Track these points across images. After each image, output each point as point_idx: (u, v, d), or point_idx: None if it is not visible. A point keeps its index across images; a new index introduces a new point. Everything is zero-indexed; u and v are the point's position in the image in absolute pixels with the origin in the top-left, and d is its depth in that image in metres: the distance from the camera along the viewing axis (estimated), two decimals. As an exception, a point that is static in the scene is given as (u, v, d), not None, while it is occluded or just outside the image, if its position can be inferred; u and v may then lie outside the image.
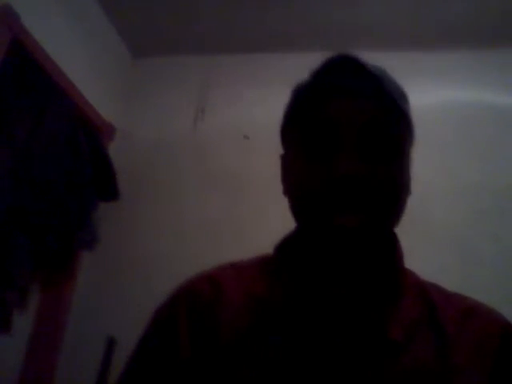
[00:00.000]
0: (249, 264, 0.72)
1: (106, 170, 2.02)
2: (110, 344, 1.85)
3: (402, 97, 0.67)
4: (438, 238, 1.86)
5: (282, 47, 2.20)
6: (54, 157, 1.83)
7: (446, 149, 2.01)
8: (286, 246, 0.71)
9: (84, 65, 2.09)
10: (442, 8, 1.98)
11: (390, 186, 0.61)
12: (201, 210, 2.07)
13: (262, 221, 1.95)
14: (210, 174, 2.11)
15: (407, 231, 2.19)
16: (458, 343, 0.59)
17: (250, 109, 2.18)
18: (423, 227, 1.88)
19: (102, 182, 2.00)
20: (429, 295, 0.65)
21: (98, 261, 2.05)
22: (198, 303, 0.65)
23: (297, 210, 0.65)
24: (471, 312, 0.63)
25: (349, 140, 0.60)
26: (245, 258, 0.74)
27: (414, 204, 2.29)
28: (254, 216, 1.99)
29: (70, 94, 1.95)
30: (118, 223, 2.10)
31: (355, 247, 0.60)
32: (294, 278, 0.65)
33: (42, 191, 1.77)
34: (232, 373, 0.58)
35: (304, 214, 0.64)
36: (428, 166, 1.98)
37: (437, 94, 2.10)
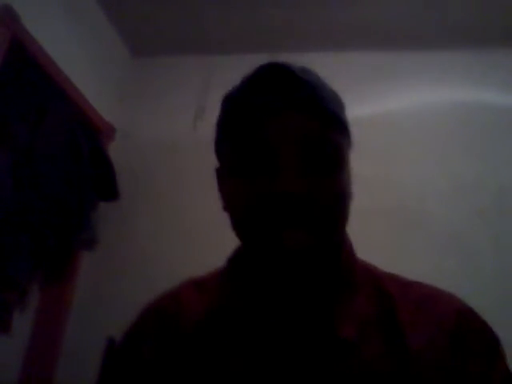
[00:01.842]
0: (208, 278, 0.74)
1: (106, 170, 2.02)
2: (110, 344, 1.85)
3: (338, 104, 0.65)
4: (438, 238, 1.86)
5: (282, 47, 2.20)
6: (54, 157, 1.84)
7: (445, 149, 2.01)
8: (236, 259, 0.71)
9: (84, 65, 2.09)
10: (442, 8, 1.98)
11: (332, 199, 0.60)
12: (201, 209, 2.06)
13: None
14: (210, 174, 2.10)
15: (407, 231, 2.20)
16: (413, 335, 0.58)
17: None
18: (423, 227, 1.88)
19: (102, 182, 2.01)
20: (384, 288, 0.64)
21: (98, 261, 2.05)
22: (164, 318, 0.69)
23: (239, 228, 0.64)
24: (427, 300, 0.63)
25: (286, 157, 0.58)
26: (207, 271, 0.76)
27: (413, 204, 2.30)
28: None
29: (70, 94, 1.95)
30: (118, 223, 2.10)
31: (302, 268, 0.60)
32: (244, 289, 0.66)
33: (42, 191, 1.77)
34: (190, 378, 0.61)
35: (247, 233, 0.62)
36: (428, 165, 1.99)
37: (437, 94, 2.10)
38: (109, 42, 2.28)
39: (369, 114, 2.07)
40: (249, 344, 0.61)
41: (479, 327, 0.61)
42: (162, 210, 2.12)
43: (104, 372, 0.73)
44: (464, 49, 2.10)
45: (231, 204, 0.66)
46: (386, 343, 0.58)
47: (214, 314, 0.65)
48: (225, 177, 0.69)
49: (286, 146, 0.59)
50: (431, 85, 2.12)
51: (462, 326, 0.60)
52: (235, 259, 0.71)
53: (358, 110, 2.09)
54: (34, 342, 1.92)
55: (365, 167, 1.97)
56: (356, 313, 0.61)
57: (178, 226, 2.07)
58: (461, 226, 1.87)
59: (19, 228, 1.72)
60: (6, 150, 1.72)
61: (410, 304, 0.62)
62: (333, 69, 2.21)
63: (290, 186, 0.56)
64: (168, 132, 2.25)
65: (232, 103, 0.67)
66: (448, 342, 0.58)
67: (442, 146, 2.01)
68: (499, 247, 1.81)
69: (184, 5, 2.10)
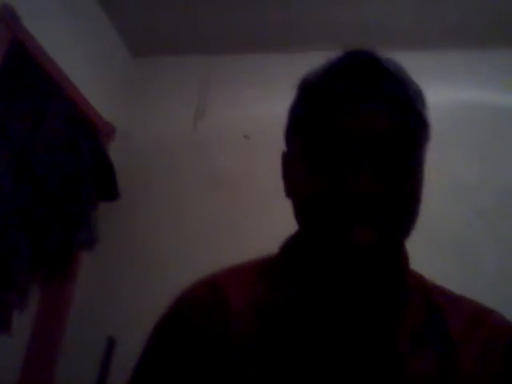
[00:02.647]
0: (250, 267, 0.69)
1: (106, 170, 2.02)
2: (110, 344, 1.85)
3: (422, 101, 0.62)
4: (438, 238, 1.86)
5: (283, 47, 2.19)
6: (54, 157, 1.83)
7: (445, 149, 2.01)
8: (291, 248, 0.67)
9: (84, 65, 2.09)
10: (442, 8, 1.98)
11: (406, 201, 0.58)
12: (201, 209, 2.07)
13: (261, 221, 1.95)
14: (210, 174, 2.11)
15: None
16: (464, 351, 0.57)
17: (249, 109, 2.18)
18: (423, 227, 1.88)
19: (102, 182, 2.00)
20: (433, 299, 0.62)
21: (98, 261, 2.05)
22: (202, 315, 0.63)
23: (304, 220, 0.61)
24: (478, 318, 0.61)
25: (363, 154, 0.55)
26: (245, 260, 0.72)
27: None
28: (254, 216, 1.99)
29: (70, 94, 1.95)
30: (118, 223, 2.10)
31: (367, 265, 0.58)
32: (300, 283, 0.62)
33: (41, 191, 1.77)
34: (241, 380, 0.57)
35: (313, 226, 0.59)
36: (428, 165, 1.99)
37: (437, 93, 2.10)
38: (109, 42, 2.28)
39: (369, 114, 2.07)
40: (300, 345, 0.57)
41: None
42: (161, 209, 2.12)
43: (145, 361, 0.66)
44: (464, 49, 2.09)
45: (298, 192, 0.61)
46: (438, 358, 0.56)
47: (263, 313, 0.61)
48: (292, 163, 0.64)
49: (363, 140, 0.55)
50: (431, 85, 2.11)
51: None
52: (288, 249, 0.67)
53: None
54: (34, 342, 1.92)
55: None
56: (410, 323, 0.59)
57: (178, 226, 2.07)
58: (461, 226, 1.87)
59: (19, 228, 1.72)
60: (5, 149, 1.72)
61: (461, 319, 0.60)
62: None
63: (366, 186, 0.54)
64: (168, 132, 2.25)
65: (312, 88, 0.62)
66: (501, 362, 0.57)
67: (442, 146, 2.01)
68: (500, 248, 1.81)
69: (184, 5, 2.10)
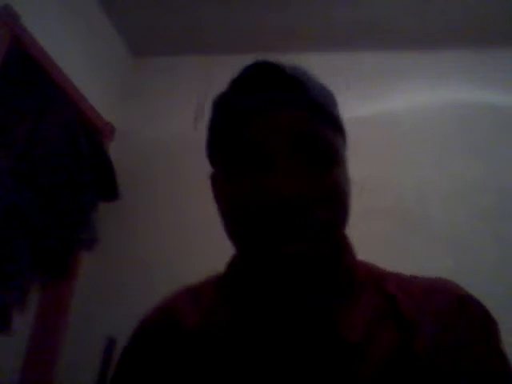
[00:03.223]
0: (204, 285, 0.72)
1: (106, 170, 2.02)
2: (110, 344, 1.85)
3: (329, 100, 0.63)
4: (439, 238, 1.86)
5: (282, 47, 2.19)
6: (54, 157, 1.83)
7: (445, 149, 2.01)
8: (234, 265, 0.69)
9: (84, 65, 2.09)
10: (443, 8, 1.98)
11: (330, 196, 0.58)
12: (201, 209, 2.06)
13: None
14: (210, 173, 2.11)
15: (407, 231, 2.20)
16: (420, 330, 0.58)
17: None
18: (423, 227, 1.88)
19: (102, 182, 2.00)
20: (386, 287, 0.63)
21: (98, 261, 2.05)
22: (155, 338, 0.67)
23: (235, 234, 0.61)
24: (429, 292, 0.62)
25: (278, 156, 0.56)
26: (202, 278, 0.74)
27: (413, 204, 2.30)
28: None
29: (70, 94, 1.95)
30: (117, 223, 2.10)
31: (302, 274, 0.58)
32: (242, 296, 0.64)
33: (42, 191, 1.77)
34: None
35: (244, 239, 0.60)
36: (428, 166, 1.99)
37: (437, 93, 2.10)
38: (109, 41, 2.28)
39: (369, 113, 2.07)
40: (249, 357, 0.59)
41: (476, 307, 0.61)
42: (161, 210, 2.12)
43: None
44: (464, 49, 2.10)
45: (225, 209, 0.64)
46: (393, 344, 0.57)
47: (209, 327, 0.63)
48: (218, 182, 0.67)
49: (277, 143, 0.57)
50: (431, 85, 2.12)
51: (463, 309, 0.60)
52: (233, 265, 0.69)
53: (358, 109, 2.09)
54: (34, 342, 1.92)
55: (365, 167, 1.97)
56: (360, 315, 0.60)
57: (178, 225, 2.07)
58: (462, 227, 1.87)
59: (19, 228, 1.72)
60: (5, 150, 1.72)
61: (412, 301, 0.61)
62: (333, 69, 2.21)
63: (285, 188, 0.54)
64: (168, 132, 2.25)
65: (220, 106, 0.66)
66: (452, 335, 0.58)
67: (443, 147, 2.01)
68: (501, 248, 1.81)
69: (184, 5, 2.10)
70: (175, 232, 2.06)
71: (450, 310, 0.60)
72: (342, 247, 0.66)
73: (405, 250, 1.80)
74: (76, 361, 1.93)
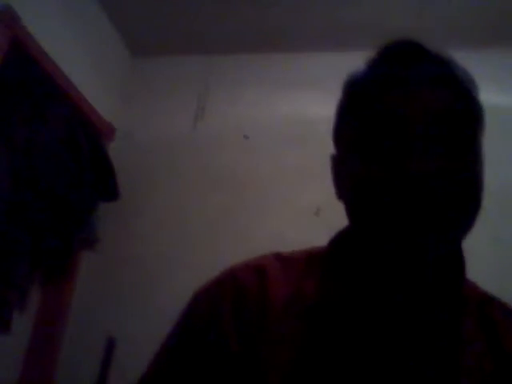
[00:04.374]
0: (296, 256, 0.65)
1: (106, 170, 2.02)
2: (110, 344, 1.85)
3: (473, 85, 0.61)
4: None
5: (282, 47, 2.20)
6: (54, 157, 1.84)
7: (446, 149, 2.01)
8: (343, 243, 0.64)
9: (84, 65, 2.09)
10: (443, 8, 1.98)
11: (466, 187, 0.54)
12: (201, 209, 2.07)
13: (262, 221, 1.95)
14: (210, 173, 2.11)
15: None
16: None
17: (250, 109, 2.18)
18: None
19: (102, 182, 2.00)
20: (488, 311, 0.60)
21: (97, 261, 2.05)
22: (244, 296, 0.59)
23: (359, 217, 0.57)
24: None
25: (418, 135, 0.53)
26: (290, 250, 0.68)
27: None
28: (254, 216, 1.99)
29: (70, 94, 1.95)
30: (117, 223, 2.10)
31: (430, 265, 0.55)
32: (350, 281, 0.59)
33: (42, 191, 1.77)
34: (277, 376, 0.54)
35: (369, 222, 0.55)
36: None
37: (437, 94, 2.10)
38: (109, 41, 2.28)
39: (369, 114, 2.07)
40: (356, 356, 0.54)
41: None
42: (161, 209, 2.12)
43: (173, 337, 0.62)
44: (464, 49, 2.09)
45: (354, 188, 0.57)
46: (494, 375, 0.54)
47: (311, 306, 0.58)
48: (345, 162, 0.61)
49: (416, 121, 0.53)
50: (431, 85, 2.12)
51: None
52: (339, 243, 0.64)
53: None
54: (34, 342, 1.92)
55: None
56: (469, 336, 0.56)
57: (178, 226, 2.07)
58: (461, 226, 1.87)
59: (19, 228, 1.72)
60: (5, 149, 1.72)
61: None
62: (332, 69, 2.21)
63: (420, 168, 0.50)
64: (168, 132, 2.25)
65: (357, 81, 0.62)
66: None
67: (442, 146, 2.02)
68: (500, 248, 1.81)
69: (184, 5, 2.10)
70: (175, 232, 2.06)
71: None
72: (461, 258, 0.63)
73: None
74: (76, 361, 1.93)
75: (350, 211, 0.59)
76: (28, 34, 1.72)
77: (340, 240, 0.64)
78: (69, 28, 2.00)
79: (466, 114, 0.56)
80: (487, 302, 0.61)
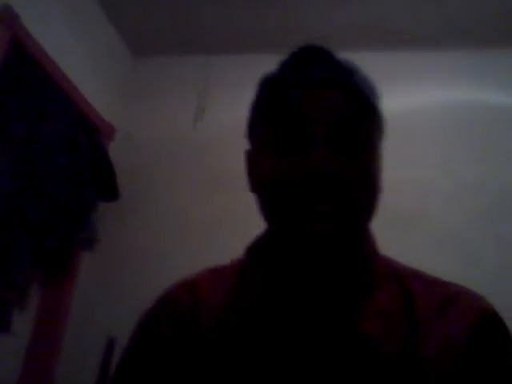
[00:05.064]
0: (227, 268, 0.72)
1: (106, 170, 2.02)
2: (110, 344, 1.85)
3: (373, 91, 0.65)
4: (439, 238, 1.86)
5: (283, 47, 2.19)
6: (54, 157, 1.83)
7: (445, 149, 2.01)
8: (258, 248, 0.70)
9: (84, 65, 2.09)
10: (442, 8, 1.98)
11: (362, 182, 0.60)
12: (201, 209, 2.07)
13: (261, 221, 1.95)
14: (210, 173, 2.11)
15: (407, 231, 2.20)
16: (430, 336, 0.57)
17: (247, 115, 2.18)
18: (423, 227, 1.88)
19: (102, 182, 2.00)
20: (407, 285, 0.63)
21: (97, 261, 2.05)
22: (178, 311, 0.67)
23: (268, 208, 0.63)
24: (450, 300, 0.61)
25: (321, 134, 0.58)
26: (225, 261, 0.74)
27: (413, 204, 2.29)
28: (254, 216, 1.99)
29: (70, 94, 1.95)
30: (117, 223, 2.10)
31: (331, 252, 0.59)
32: (266, 280, 0.65)
33: (42, 191, 1.77)
34: (212, 370, 0.60)
35: (277, 213, 0.61)
36: (428, 166, 1.99)
37: (437, 94, 2.10)
38: (109, 42, 2.28)
39: (369, 113, 2.07)
40: (267, 338, 0.60)
41: (497, 329, 0.59)
42: (162, 209, 2.12)
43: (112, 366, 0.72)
44: (464, 49, 2.09)
45: (262, 181, 0.64)
46: (402, 341, 0.57)
47: (232, 307, 0.64)
48: (256, 157, 0.68)
49: (320, 121, 0.58)
50: (431, 85, 2.12)
51: (481, 329, 0.58)
52: (255, 248, 0.70)
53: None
54: (34, 342, 1.92)
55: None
56: (377, 309, 0.60)
57: (178, 225, 2.07)
58: (461, 226, 1.87)
59: (19, 228, 1.72)
60: (5, 149, 1.72)
61: (432, 303, 0.60)
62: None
63: (322, 164, 0.56)
64: (168, 132, 2.25)
65: (268, 81, 0.67)
66: (465, 347, 0.57)
67: (443, 146, 2.01)
68: (500, 248, 1.81)
69: (184, 5, 2.10)
70: (175, 232, 2.06)
71: (470, 323, 0.58)
72: (366, 238, 0.67)
73: (404, 250, 1.79)
74: (76, 361, 1.93)
75: (261, 203, 0.64)
76: (28, 34, 1.72)
77: (255, 247, 0.70)
78: (69, 28, 2.00)
79: (362, 116, 0.61)
80: (409, 277, 0.65)
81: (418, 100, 2.11)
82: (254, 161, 0.69)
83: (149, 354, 0.65)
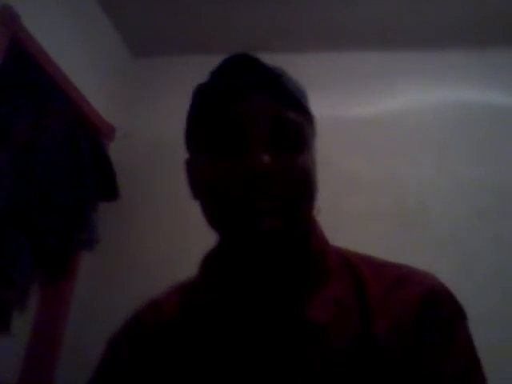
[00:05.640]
0: (165, 296, 0.77)
1: (106, 170, 2.02)
2: (110, 344, 1.85)
3: (301, 93, 0.68)
4: (438, 238, 1.86)
5: (282, 47, 2.20)
6: (54, 157, 1.84)
7: (446, 149, 2.01)
8: (208, 259, 0.74)
9: (84, 65, 2.09)
10: (442, 8, 1.98)
11: (299, 176, 0.62)
12: (200, 209, 2.07)
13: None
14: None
15: (407, 231, 2.20)
16: (381, 319, 0.59)
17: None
18: (423, 227, 1.88)
19: (102, 182, 2.00)
20: (357, 272, 0.65)
21: (98, 261, 2.05)
22: (141, 334, 0.72)
23: (211, 212, 0.66)
24: (400, 280, 0.63)
25: (254, 135, 0.61)
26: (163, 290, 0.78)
27: (413, 204, 2.30)
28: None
29: (70, 94, 1.95)
30: (118, 223, 2.10)
31: (278, 246, 0.61)
32: (220, 286, 0.68)
33: (41, 191, 1.77)
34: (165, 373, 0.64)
35: (219, 216, 0.64)
36: (428, 165, 1.99)
37: (437, 94, 2.10)
38: (109, 42, 2.28)
39: (369, 114, 2.07)
40: (221, 333, 0.62)
41: (444, 302, 0.61)
42: (162, 209, 2.12)
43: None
44: (464, 49, 2.10)
45: (201, 186, 0.67)
46: (356, 329, 0.59)
47: (187, 309, 0.68)
48: (194, 164, 0.71)
49: (252, 125, 0.61)
50: (431, 85, 2.12)
51: (429, 305, 0.60)
52: (205, 259, 0.75)
53: (357, 110, 2.09)
54: (34, 342, 1.92)
55: (365, 167, 1.97)
56: (329, 297, 0.62)
57: (178, 225, 2.07)
58: (461, 226, 1.87)
59: (19, 228, 1.72)
60: (5, 149, 1.72)
61: (381, 288, 0.62)
62: (332, 69, 2.21)
63: (258, 162, 0.58)
64: (168, 132, 2.24)
65: (200, 92, 0.70)
66: (413, 325, 0.58)
67: (442, 146, 2.01)
68: (500, 248, 1.81)
69: (184, 5, 2.10)
70: (175, 232, 2.06)
71: (418, 301, 0.60)
72: (312, 230, 0.69)
73: (404, 250, 1.79)
74: (76, 361, 1.93)
75: (204, 209, 0.67)
76: (28, 34, 1.72)
77: (205, 257, 0.75)
78: (69, 28, 2.00)
79: (292, 115, 0.64)
80: (359, 263, 0.67)
81: (417, 100, 2.11)
82: (192, 168, 0.73)
83: (110, 376, 0.71)
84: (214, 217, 0.66)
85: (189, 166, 0.75)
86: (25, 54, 1.75)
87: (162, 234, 2.07)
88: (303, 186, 0.62)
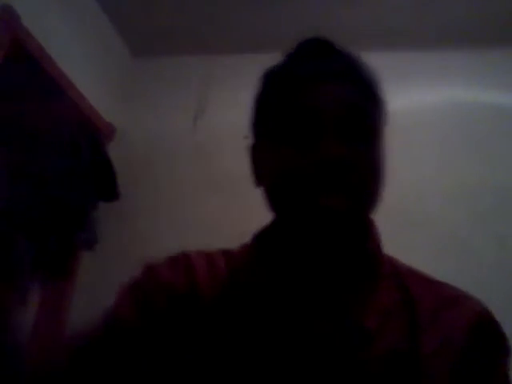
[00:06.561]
0: (236, 250, 0.74)
1: (106, 170, 2.02)
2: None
3: (376, 82, 0.68)
4: (438, 239, 1.86)
5: (282, 47, 2.19)
6: (54, 157, 1.84)
7: (446, 149, 2.01)
8: (265, 234, 0.71)
9: (84, 64, 2.09)
10: (442, 8, 1.98)
11: (371, 168, 0.62)
12: (201, 209, 2.07)
13: (262, 221, 1.95)
14: (210, 174, 2.11)
15: (407, 231, 2.20)
16: (429, 334, 0.58)
17: (250, 109, 2.18)
18: (423, 228, 1.88)
19: (102, 182, 2.00)
20: (407, 284, 0.64)
21: (97, 261, 2.05)
22: (191, 266, 0.70)
23: (277, 197, 0.63)
24: (450, 303, 0.62)
25: (330, 124, 0.60)
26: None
27: (413, 204, 2.29)
28: (254, 216, 1.99)
29: (70, 94, 1.95)
30: (118, 223, 2.10)
31: (339, 230, 0.60)
32: (273, 264, 0.65)
33: (42, 191, 1.78)
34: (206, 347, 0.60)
35: (286, 199, 0.61)
36: (428, 166, 1.99)
37: (437, 93, 2.10)
38: (109, 41, 2.28)
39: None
40: (267, 322, 0.60)
41: (491, 333, 0.61)
42: (161, 209, 2.12)
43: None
44: (464, 49, 2.09)
45: (271, 173, 0.64)
46: (402, 342, 0.58)
47: (236, 287, 0.65)
48: (262, 150, 0.67)
49: (328, 112, 0.60)
50: (431, 85, 2.12)
51: (477, 333, 0.59)
52: (261, 235, 0.72)
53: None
54: (34, 342, 1.92)
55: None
56: (379, 305, 0.61)
57: (178, 225, 2.07)
58: (461, 226, 1.87)
59: (19, 228, 1.72)
60: (5, 149, 1.72)
61: (432, 304, 0.61)
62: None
63: (334, 152, 0.57)
64: (168, 132, 2.25)
65: (274, 74, 0.68)
66: (458, 349, 0.58)
67: (443, 146, 2.01)
68: (500, 248, 1.81)
69: (184, 5, 2.10)
70: (175, 232, 2.06)
71: (467, 326, 0.59)
72: (370, 231, 0.68)
73: (404, 250, 1.79)
74: (76, 361, 1.92)
75: (269, 195, 0.65)
76: (28, 34, 1.72)
77: (260, 233, 0.73)
78: (69, 28, 2.00)
79: (368, 106, 0.63)
80: (407, 274, 0.66)
81: (417, 100, 2.11)
82: (259, 155, 0.69)
83: (141, 313, 0.69)
84: (280, 204, 0.63)
85: (255, 152, 0.72)
86: (25, 54, 1.75)
87: (162, 234, 2.07)
88: (373, 180, 0.62)
